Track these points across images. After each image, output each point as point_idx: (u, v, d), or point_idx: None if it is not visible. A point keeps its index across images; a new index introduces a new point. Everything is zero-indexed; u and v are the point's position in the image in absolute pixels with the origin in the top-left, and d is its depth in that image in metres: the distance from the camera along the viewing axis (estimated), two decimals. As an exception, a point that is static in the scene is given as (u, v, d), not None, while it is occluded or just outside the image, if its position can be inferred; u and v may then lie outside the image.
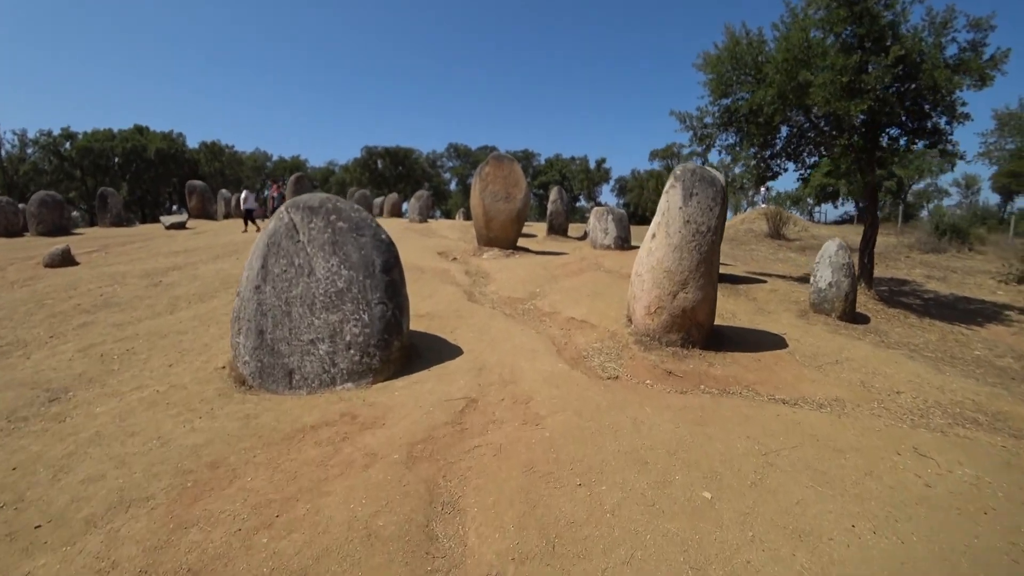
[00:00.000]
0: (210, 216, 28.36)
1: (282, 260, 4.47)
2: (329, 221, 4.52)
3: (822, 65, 7.81)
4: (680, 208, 5.51)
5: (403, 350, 4.67)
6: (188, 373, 4.66)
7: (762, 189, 32.96)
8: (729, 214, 48.01)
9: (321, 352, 4.33)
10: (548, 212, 15.43)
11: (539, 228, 18.05)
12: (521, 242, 12.81)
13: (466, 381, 4.33)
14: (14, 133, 38.22)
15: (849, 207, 36.66)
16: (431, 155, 58.16)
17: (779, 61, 8.08)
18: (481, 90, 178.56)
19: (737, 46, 8.75)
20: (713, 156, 12.28)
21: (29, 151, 39.13)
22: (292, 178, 23.93)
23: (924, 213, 37.45)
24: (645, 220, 56.52)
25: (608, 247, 12.69)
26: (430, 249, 12.40)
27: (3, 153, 38.49)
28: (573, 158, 54.88)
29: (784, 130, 9.56)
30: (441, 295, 7.22)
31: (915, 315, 8.39)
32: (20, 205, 17.27)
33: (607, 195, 55.47)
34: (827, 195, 34.69)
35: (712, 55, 9.06)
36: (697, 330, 5.57)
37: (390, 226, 22.32)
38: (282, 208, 4.65)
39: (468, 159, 58.40)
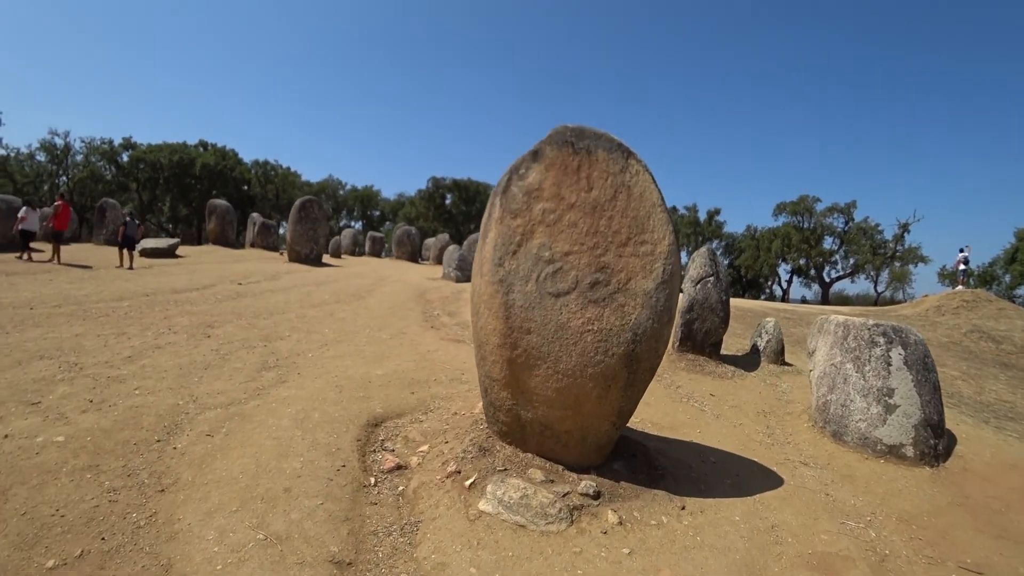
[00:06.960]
0: (228, 243, 22.80)
1: None
2: None
3: None
4: None
5: None
6: None
7: (959, 261, 21.49)
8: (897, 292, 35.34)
9: None
10: (686, 304, 6.87)
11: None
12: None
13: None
14: (83, 141, 36.78)
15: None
16: (508, 192, 51.05)
17: None
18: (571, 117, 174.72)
19: None
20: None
21: (93, 159, 37.62)
22: (297, 203, 17.46)
23: None
24: (753, 285, 45.29)
25: (895, 454, 3.97)
26: (388, 404, 4.41)
27: (69, 160, 37.19)
28: (675, 208, 45.57)
29: None
30: None
31: None
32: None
33: (711, 254, 45.15)
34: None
35: None
36: None
37: (406, 282, 13.93)
38: None
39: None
